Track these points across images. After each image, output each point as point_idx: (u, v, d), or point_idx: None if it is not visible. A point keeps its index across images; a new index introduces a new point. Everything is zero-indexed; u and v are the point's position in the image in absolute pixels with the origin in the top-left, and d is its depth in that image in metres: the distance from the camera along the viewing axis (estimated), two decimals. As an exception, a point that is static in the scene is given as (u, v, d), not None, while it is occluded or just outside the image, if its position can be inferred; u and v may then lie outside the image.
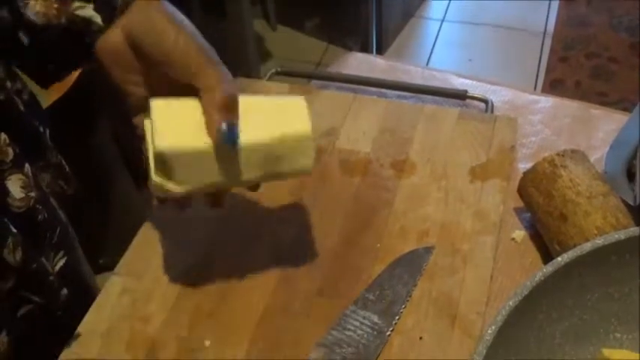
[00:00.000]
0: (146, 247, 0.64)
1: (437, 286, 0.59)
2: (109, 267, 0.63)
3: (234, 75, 0.56)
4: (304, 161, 0.52)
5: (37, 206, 0.58)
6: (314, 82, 0.85)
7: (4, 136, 0.54)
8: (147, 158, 0.50)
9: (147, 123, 0.50)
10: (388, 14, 2.09)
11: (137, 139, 0.52)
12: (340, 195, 0.67)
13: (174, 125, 0.49)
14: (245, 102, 0.50)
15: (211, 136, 0.48)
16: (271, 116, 0.51)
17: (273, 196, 0.66)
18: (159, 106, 0.50)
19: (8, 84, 0.58)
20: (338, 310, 0.57)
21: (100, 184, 1.39)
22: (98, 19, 0.51)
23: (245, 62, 1.89)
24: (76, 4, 0.50)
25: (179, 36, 0.49)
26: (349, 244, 0.63)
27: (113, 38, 0.50)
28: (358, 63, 0.87)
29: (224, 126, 0.48)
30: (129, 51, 0.50)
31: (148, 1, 0.51)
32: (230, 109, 0.49)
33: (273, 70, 0.84)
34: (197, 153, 0.49)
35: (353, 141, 0.72)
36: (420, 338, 0.55)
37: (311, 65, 2.15)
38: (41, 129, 0.63)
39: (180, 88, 0.50)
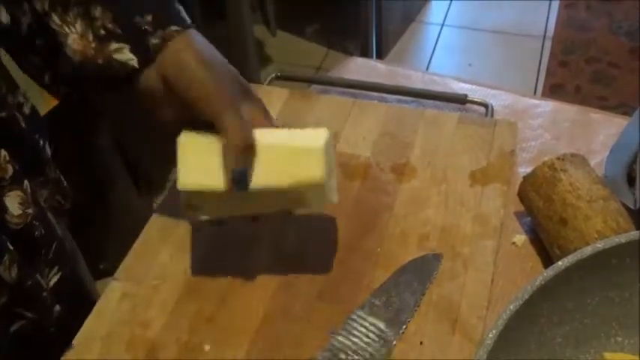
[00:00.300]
0: (146, 251, 0.64)
1: (437, 290, 0.59)
2: (109, 272, 0.63)
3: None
4: (319, 201, 0.56)
5: (34, 222, 0.58)
6: (314, 86, 0.85)
7: (4, 152, 0.54)
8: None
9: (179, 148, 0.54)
10: (388, 19, 2.09)
11: (141, 143, 0.54)
12: (341, 199, 0.66)
13: (197, 163, 0.53)
14: (263, 144, 0.53)
15: (226, 180, 0.52)
16: (287, 160, 0.53)
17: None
18: (185, 142, 0.53)
19: (10, 99, 0.58)
20: (338, 314, 0.57)
21: (101, 187, 1.39)
22: (135, 62, 0.51)
23: (245, 67, 1.89)
24: (114, 45, 0.51)
25: (205, 82, 0.51)
26: (350, 248, 0.63)
27: (149, 79, 0.52)
28: (358, 67, 0.87)
29: (235, 173, 0.52)
30: (163, 90, 0.53)
31: (181, 41, 0.52)
32: (243, 157, 0.52)
33: (273, 75, 0.84)
34: (215, 191, 0.53)
35: (353, 145, 0.72)
36: (421, 343, 0.55)
37: (311, 70, 2.15)
38: (41, 142, 0.62)
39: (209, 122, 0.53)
